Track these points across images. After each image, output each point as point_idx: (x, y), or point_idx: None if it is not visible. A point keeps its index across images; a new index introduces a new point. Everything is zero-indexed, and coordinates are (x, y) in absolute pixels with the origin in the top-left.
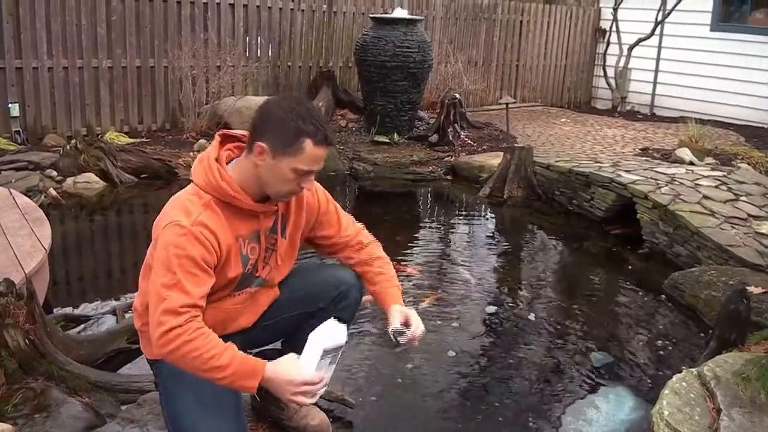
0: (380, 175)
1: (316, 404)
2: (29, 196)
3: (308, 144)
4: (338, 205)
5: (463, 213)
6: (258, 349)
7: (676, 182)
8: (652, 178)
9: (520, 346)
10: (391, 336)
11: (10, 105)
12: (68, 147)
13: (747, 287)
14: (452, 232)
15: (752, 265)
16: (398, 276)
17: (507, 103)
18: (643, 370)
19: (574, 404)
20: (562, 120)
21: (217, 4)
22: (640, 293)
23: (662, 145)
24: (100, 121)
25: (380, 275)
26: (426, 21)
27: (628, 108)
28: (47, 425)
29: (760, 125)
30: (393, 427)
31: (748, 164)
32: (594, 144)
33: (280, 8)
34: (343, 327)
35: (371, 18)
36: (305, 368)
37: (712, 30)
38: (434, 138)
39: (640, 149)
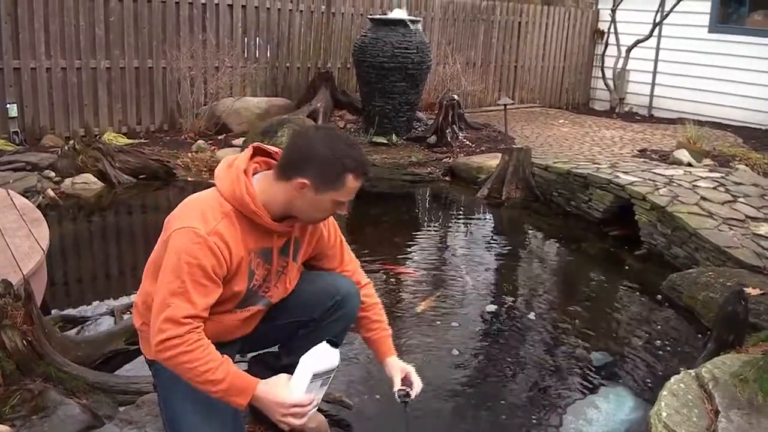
0: (378, 176)
1: None
2: (27, 197)
3: (350, 179)
4: (343, 239)
5: (462, 214)
6: (254, 353)
7: (674, 183)
8: (650, 180)
9: (519, 346)
10: (398, 399)
11: (8, 105)
12: (66, 148)
13: (745, 289)
14: (450, 234)
15: (750, 267)
16: (397, 278)
17: (505, 104)
18: (642, 370)
19: (574, 404)
20: (561, 121)
21: (216, 4)
22: (638, 294)
23: (660, 146)
24: (98, 121)
25: (377, 323)
26: (424, 22)
27: (627, 109)
28: (45, 427)
29: (758, 126)
30: (391, 428)
31: (746, 166)
32: (592, 145)
33: (279, 9)
34: (335, 351)
35: (370, 19)
36: (295, 391)
37: (710, 31)
38: (432, 139)
39: (638, 150)
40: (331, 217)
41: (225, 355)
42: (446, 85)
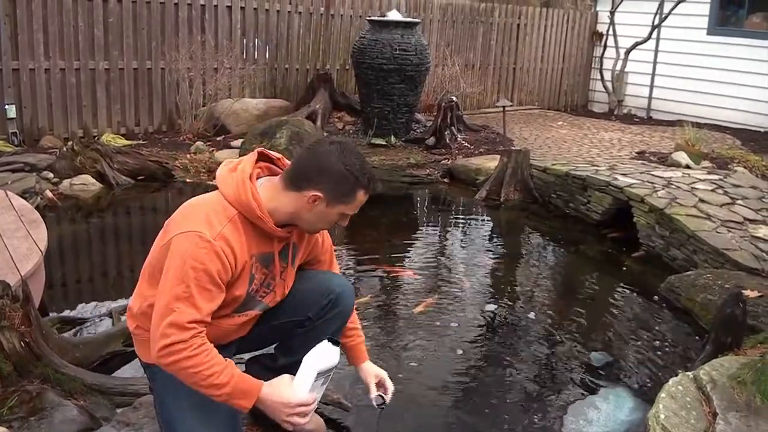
0: (377, 177)
1: None
2: (25, 198)
3: (361, 194)
4: (332, 247)
5: (460, 216)
6: (252, 354)
7: (672, 186)
8: (648, 182)
9: (518, 347)
10: (375, 405)
11: (6, 106)
12: (65, 149)
13: (743, 291)
14: (449, 235)
15: (748, 269)
16: (396, 279)
17: (504, 106)
18: (641, 372)
19: (574, 404)
20: (559, 123)
21: (215, 6)
22: (637, 297)
23: (659, 148)
24: (96, 122)
25: (353, 330)
26: (423, 24)
27: (625, 111)
28: (42, 428)
29: (757, 129)
30: (390, 430)
31: (745, 168)
32: (591, 147)
33: (278, 11)
34: (336, 349)
35: (368, 21)
36: (299, 390)
37: (708, 34)
38: (431, 141)
39: (636, 153)
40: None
41: (228, 359)
42: (445, 86)
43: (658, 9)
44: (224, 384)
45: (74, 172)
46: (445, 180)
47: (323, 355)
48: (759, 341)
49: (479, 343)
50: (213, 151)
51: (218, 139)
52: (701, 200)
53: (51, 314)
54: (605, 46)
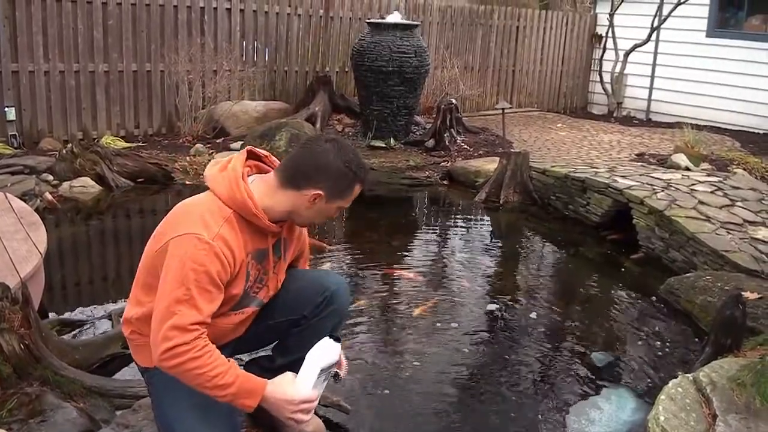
0: (376, 179)
1: None
2: (25, 200)
3: (357, 188)
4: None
5: (460, 218)
6: (249, 355)
7: (671, 188)
8: (648, 184)
9: (519, 348)
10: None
11: (6, 109)
12: (64, 151)
13: (742, 293)
14: (448, 237)
15: (748, 271)
16: (395, 281)
17: (503, 108)
18: (642, 373)
19: (577, 404)
20: (558, 125)
21: (214, 8)
22: (636, 298)
23: (658, 150)
24: (96, 125)
25: None
26: (422, 26)
27: (624, 113)
28: (42, 430)
29: (756, 131)
30: (391, 430)
31: (744, 170)
32: (590, 149)
33: (277, 13)
34: (337, 345)
35: (368, 23)
36: (303, 387)
37: (708, 36)
38: (431, 143)
39: (636, 155)
40: None
41: (231, 359)
42: (444, 89)
43: (657, 11)
44: (229, 384)
45: (74, 174)
46: (445, 182)
47: (325, 352)
48: (759, 343)
49: (480, 343)
50: (212, 153)
51: (218, 141)
52: (701, 202)
53: (50, 316)
54: (604, 48)
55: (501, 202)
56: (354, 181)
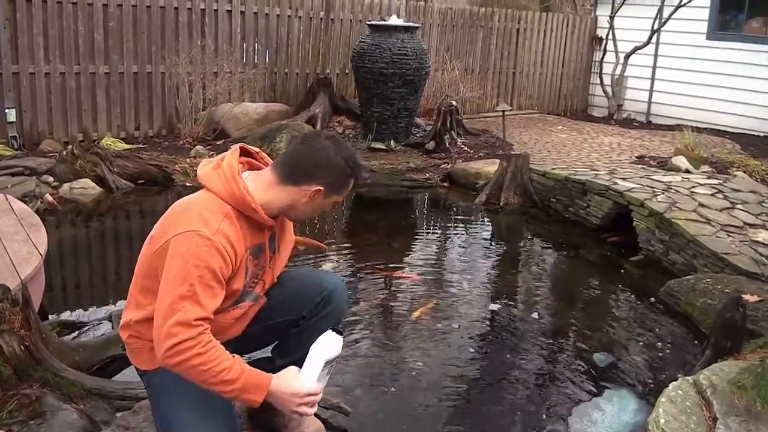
0: (377, 181)
1: None
2: (25, 202)
3: (353, 182)
4: None
5: (460, 220)
6: (248, 357)
7: (672, 190)
8: (648, 186)
9: (519, 349)
10: None
11: (6, 110)
12: (65, 152)
13: (743, 295)
14: (448, 239)
15: (748, 273)
16: (394, 283)
17: (503, 111)
18: (643, 375)
19: (579, 406)
20: (559, 127)
21: (215, 10)
22: (636, 301)
23: (658, 153)
24: (96, 126)
25: None
26: (423, 28)
27: (625, 116)
28: None
29: (756, 133)
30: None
31: (744, 172)
32: (590, 152)
33: (278, 15)
34: (340, 338)
35: (368, 25)
36: (307, 380)
37: (708, 38)
38: (431, 145)
39: (636, 157)
40: None
41: (235, 355)
42: (445, 91)
43: (657, 14)
44: (235, 379)
45: (74, 175)
46: (445, 184)
47: (329, 345)
48: (759, 346)
49: (481, 344)
50: (213, 155)
51: (218, 143)
52: (701, 204)
53: (51, 318)
54: (605, 51)
55: (501, 204)
56: (351, 176)
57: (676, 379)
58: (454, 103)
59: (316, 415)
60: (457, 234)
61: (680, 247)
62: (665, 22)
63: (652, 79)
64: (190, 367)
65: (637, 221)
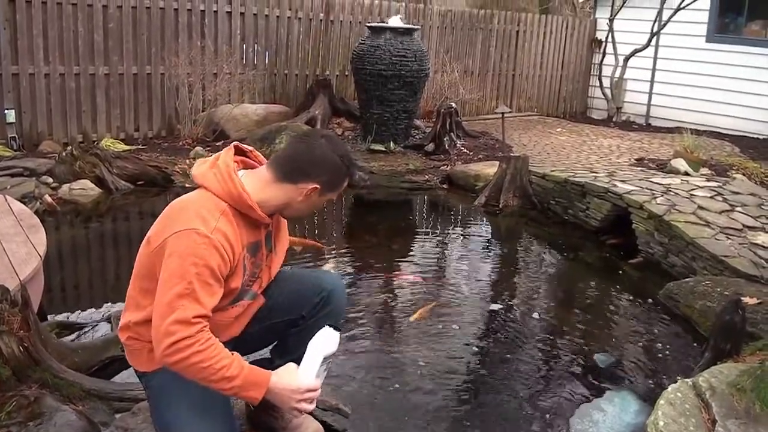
0: (376, 183)
1: (310, 413)
2: (24, 203)
3: (347, 180)
4: None
5: (459, 222)
6: (248, 358)
7: (671, 193)
8: (647, 189)
9: (520, 350)
10: None
11: (6, 111)
12: (64, 153)
13: (742, 298)
14: (448, 241)
15: (747, 276)
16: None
17: (503, 113)
18: (642, 377)
19: (580, 406)
20: (558, 130)
21: (214, 12)
22: (636, 303)
23: (658, 155)
24: (96, 127)
25: None
26: (423, 30)
27: (624, 118)
28: None
29: (756, 136)
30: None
31: (744, 175)
32: (589, 154)
33: (277, 16)
34: (337, 334)
35: (368, 27)
36: (306, 376)
37: (707, 41)
38: (430, 147)
39: (635, 159)
40: None
41: (234, 352)
42: (444, 93)
43: (657, 16)
44: (234, 376)
45: (73, 176)
46: (444, 186)
47: (327, 341)
48: (758, 348)
49: (481, 345)
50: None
51: (218, 144)
52: (700, 207)
53: (50, 319)
54: (604, 53)
55: (500, 206)
56: (346, 175)
57: (675, 382)
58: (453, 105)
59: (315, 416)
60: (457, 236)
61: (679, 249)
62: (665, 25)
63: (652, 81)
64: (190, 365)
65: (636, 224)
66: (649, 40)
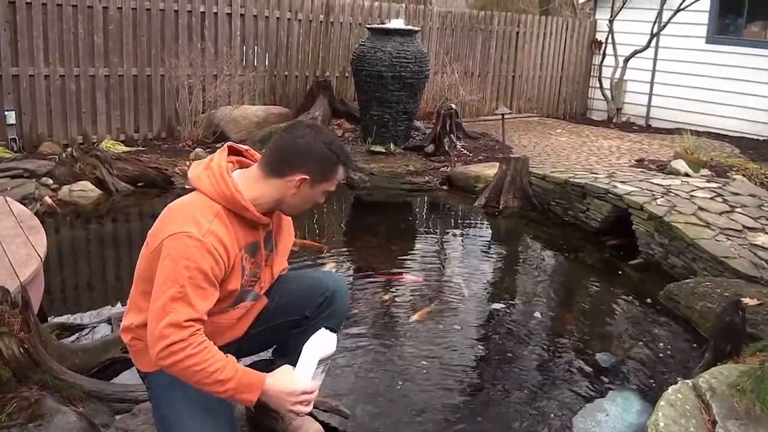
0: (376, 184)
1: (310, 414)
2: (24, 204)
3: (341, 170)
4: None
5: (459, 223)
6: (248, 360)
7: (671, 194)
8: (647, 190)
9: (521, 350)
10: None
11: (6, 113)
12: (64, 155)
13: (742, 299)
14: (448, 242)
15: (747, 277)
16: (396, 286)
17: (503, 114)
18: (643, 378)
19: (582, 406)
20: (558, 131)
21: (215, 13)
22: (636, 304)
23: (658, 156)
24: (96, 129)
25: None
26: (422, 32)
27: (624, 119)
28: None
29: (756, 137)
30: None
31: (744, 176)
32: (589, 155)
33: (278, 18)
34: (334, 336)
35: (368, 28)
36: (302, 378)
37: (707, 42)
38: (430, 148)
39: (635, 160)
40: None
41: (228, 355)
42: (444, 94)
43: (656, 17)
44: (228, 379)
45: (73, 178)
46: (444, 187)
47: (323, 343)
48: (758, 349)
49: (482, 346)
50: None
51: (217, 145)
52: (700, 208)
53: (50, 320)
54: (604, 54)
55: (500, 207)
56: (337, 162)
57: (675, 383)
58: (453, 106)
59: (315, 417)
60: (457, 237)
61: (679, 250)
62: (664, 26)
63: (652, 82)
64: (184, 368)
65: (636, 225)
66: (649, 41)
